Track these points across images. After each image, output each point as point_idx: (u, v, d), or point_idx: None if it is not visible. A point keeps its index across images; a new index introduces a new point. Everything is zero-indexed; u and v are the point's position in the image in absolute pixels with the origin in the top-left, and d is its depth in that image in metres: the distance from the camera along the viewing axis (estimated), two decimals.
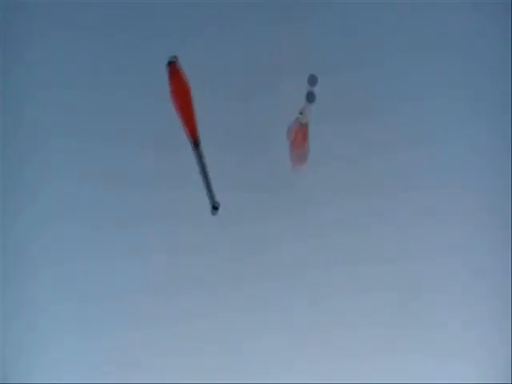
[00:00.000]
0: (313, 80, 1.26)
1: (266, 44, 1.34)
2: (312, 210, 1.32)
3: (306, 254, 1.31)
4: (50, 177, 1.33)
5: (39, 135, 1.34)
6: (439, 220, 1.32)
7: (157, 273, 1.31)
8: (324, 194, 1.32)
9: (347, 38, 1.34)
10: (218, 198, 1.31)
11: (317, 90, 1.31)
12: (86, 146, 1.33)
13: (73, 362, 1.29)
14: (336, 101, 1.34)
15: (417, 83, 1.34)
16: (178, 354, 1.28)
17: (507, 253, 1.30)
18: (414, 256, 1.31)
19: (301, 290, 1.30)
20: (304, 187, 1.33)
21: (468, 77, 1.34)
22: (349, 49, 1.34)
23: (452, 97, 1.34)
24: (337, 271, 1.30)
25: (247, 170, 1.32)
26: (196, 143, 1.33)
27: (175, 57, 1.31)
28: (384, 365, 1.28)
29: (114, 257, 1.31)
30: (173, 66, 1.32)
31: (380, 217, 1.32)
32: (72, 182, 1.33)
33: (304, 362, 1.28)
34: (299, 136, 1.29)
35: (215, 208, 1.31)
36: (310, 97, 1.26)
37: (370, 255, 1.31)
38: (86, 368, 1.29)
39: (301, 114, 1.25)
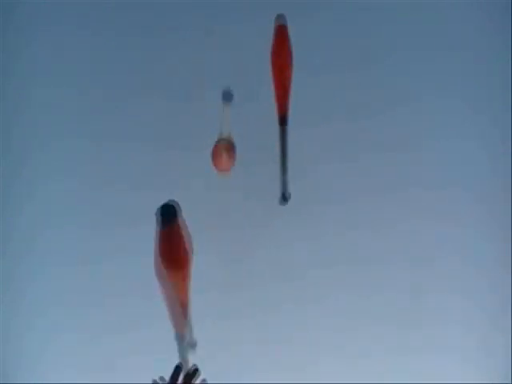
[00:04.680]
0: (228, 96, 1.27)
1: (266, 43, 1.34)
2: (312, 211, 1.32)
3: (308, 254, 1.31)
4: (50, 177, 1.33)
5: (39, 135, 1.34)
6: (439, 220, 1.32)
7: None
8: (323, 194, 1.32)
9: (346, 38, 1.34)
10: (215, 199, 1.31)
11: (317, 89, 1.31)
12: (86, 146, 1.33)
13: (72, 362, 1.29)
14: (335, 100, 1.34)
15: (417, 83, 1.34)
16: (176, 355, 1.29)
17: (507, 253, 1.30)
18: (414, 257, 1.31)
19: (302, 290, 1.30)
20: (304, 187, 1.33)
21: (468, 76, 1.34)
22: (348, 49, 1.34)
23: (452, 96, 1.34)
24: (337, 272, 1.30)
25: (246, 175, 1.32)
26: (283, 120, 1.28)
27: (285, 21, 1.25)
28: (384, 365, 1.28)
29: (113, 258, 1.31)
30: (283, 28, 1.25)
31: (379, 218, 1.32)
32: (72, 182, 1.33)
33: (304, 361, 1.29)
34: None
35: (285, 199, 1.29)
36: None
37: (370, 256, 1.31)
38: (85, 368, 1.29)
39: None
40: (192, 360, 1.28)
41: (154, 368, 1.28)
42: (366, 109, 1.33)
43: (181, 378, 1.06)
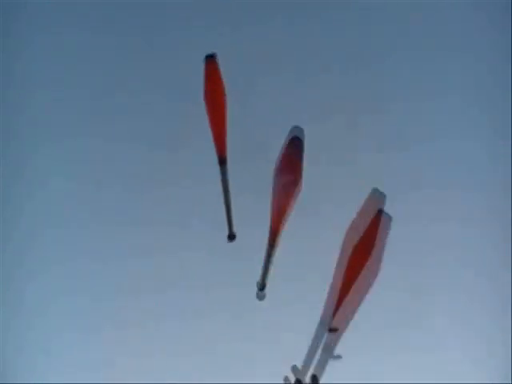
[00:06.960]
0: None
1: (266, 42, 1.34)
2: (311, 209, 1.32)
3: (306, 255, 1.31)
4: (50, 177, 1.33)
5: (39, 135, 1.34)
6: (438, 220, 1.32)
7: (156, 273, 1.31)
8: (322, 193, 1.32)
9: (346, 38, 1.34)
10: (216, 199, 1.31)
11: (317, 89, 1.32)
12: (86, 146, 1.33)
13: (72, 362, 1.29)
14: (335, 100, 1.34)
15: (416, 82, 1.34)
16: (178, 355, 1.29)
17: (507, 253, 1.31)
18: (414, 256, 1.31)
19: (301, 291, 1.30)
20: (303, 187, 1.33)
21: (468, 76, 1.34)
22: (349, 48, 1.34)
23: (452, 96, 1.34)
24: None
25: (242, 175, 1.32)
26: (222, 160, 1.24)
27: (214, 53, 1.19)
28: (384, 364, 1.28)
29: (113, 257, 1.31)
30: (211, 63, 1.19)
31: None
32: (72, 182, 1.33)
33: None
34: None
35: (231, 237, 1.32)
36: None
37: None
38: (85, 368, 1.29)
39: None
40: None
41: (154, 368, 1.29)
42: (365, 109, 1.33)
43: None
